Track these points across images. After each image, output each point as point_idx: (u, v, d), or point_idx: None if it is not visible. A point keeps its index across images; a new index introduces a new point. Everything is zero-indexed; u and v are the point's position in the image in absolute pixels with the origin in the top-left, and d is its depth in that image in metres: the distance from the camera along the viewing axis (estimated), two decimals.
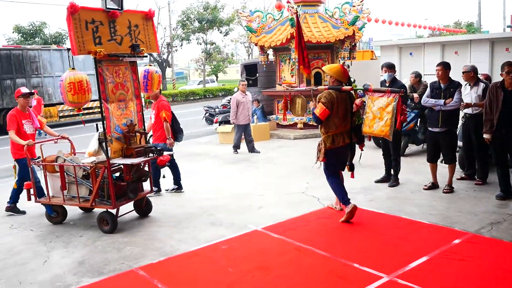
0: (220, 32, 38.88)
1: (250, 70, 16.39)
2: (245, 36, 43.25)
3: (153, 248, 5.44)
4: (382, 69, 7.62)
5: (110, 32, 5.86)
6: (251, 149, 11.20)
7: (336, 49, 13.54)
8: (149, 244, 5.58)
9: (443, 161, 7.48)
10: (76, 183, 6.18)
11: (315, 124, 6.45)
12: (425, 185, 7.36)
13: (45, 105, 19.30)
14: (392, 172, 7.75)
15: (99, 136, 6.02)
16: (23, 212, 7.19)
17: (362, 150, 6.40)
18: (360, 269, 4.55)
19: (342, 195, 6.05)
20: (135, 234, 5.93)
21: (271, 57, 14.97)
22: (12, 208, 7.23)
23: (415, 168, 8.72)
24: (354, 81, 6.24)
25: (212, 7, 36.87)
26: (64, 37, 29.15)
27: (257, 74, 15.89)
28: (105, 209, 6.10)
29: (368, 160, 9.46)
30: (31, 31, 28.51)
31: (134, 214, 6.76)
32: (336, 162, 6.13)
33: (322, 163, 6.19)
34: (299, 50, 6.89)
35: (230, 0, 62.20)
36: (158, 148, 6.60)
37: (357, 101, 5.89)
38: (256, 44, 14.13)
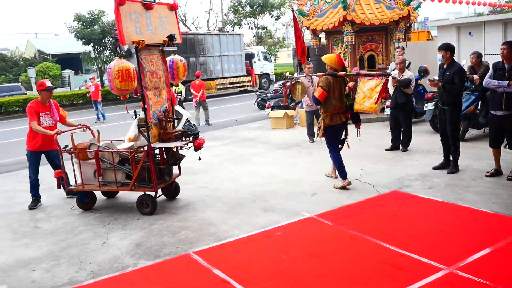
0: (272, 17, 38.62)
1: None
2: None
3: (207, 233, 5.50)
4: (438, 50, 7.31)
5: (146, 23, 6.14)
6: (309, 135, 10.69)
7: (390, 31, 13.11)
8: (203, 229, 5.65)
9: (507, 146, 7.10)
10: (114, 169, 6.32)
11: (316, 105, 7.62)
12: (487, 172, 7.03)
13: (207, 79, 23.68)
14: (451, 158, 7.45)
15: (138, 122, 6.24)
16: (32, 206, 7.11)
17: (359, 128, 7.43)
18: (417, 260, 4.41)
19: (341, 170, 7.01)
20: (189, 219, 6.02)
21: (323, 40, 14.71)
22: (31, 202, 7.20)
23: (476, 153, 8.34)
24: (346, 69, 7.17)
25: None
26: None
27: (309, 58, 15.64)
28: (143, 192, 6.34)
29: (426, 145, 9.19)
30: (90, 19, 29.36)
31: (188, 199, 6.87)
32: (335, 137, 7.11)
33: (324, 138, 7.17)
34: (296, 40, 8.30)
35: None
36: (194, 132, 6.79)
37: (350, 84, 6.90)
38: (308, 28, 13.90)
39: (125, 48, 22.38)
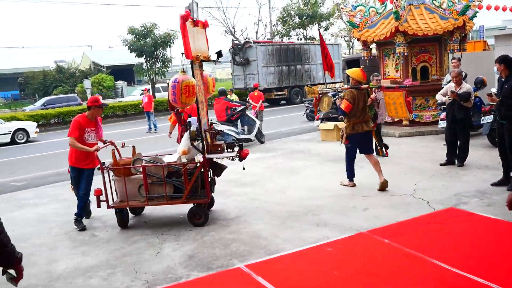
0: (321, 27, 38.52)
1: (351, 65, 16.03)
2: (345, 30, 42.53)
3: (258, 246, 5.52)
4: (495, 63, 7.06)
5: (193, 39, 6.24)
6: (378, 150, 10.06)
7: (444, 41, 12.79)
8: (254, 242, 5.67)
9: None
10: (165, 183, 6.35)
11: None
12: None
13: (313, 85, 23.48)
14: (511, 174, 7.15)
15: (190, 134, 6.38)
16: (82, 228, 6.66)
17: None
18: (476, 282, 4.24)
19: (350, 172, 7.87)
20: (241, 231, 6.06)
21: (374, 51, 14.54)
22: (75, 221, 6.79)
23: None
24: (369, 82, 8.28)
25: (312, 2, 36.63)
26: (172, 37, 30.63)
27: (362, 66, 15.50)
28: (194, 204, 6.47)
29: (483, 160, 8.87)
30: (143, 32, 30.31)
31: (239, 211, 6.92)
32: (355, 146, 7.73)
33: (345, 145, 7.81)
34: (323, 57, 9.42)
35: None
36: (239, 142, 6.90)
37: (372, 96, 7.90)
38: (358, 39, 13.80)
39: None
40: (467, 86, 8.67)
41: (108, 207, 6.52)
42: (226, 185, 8.29)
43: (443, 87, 10.39)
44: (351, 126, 7.57)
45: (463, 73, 10.40)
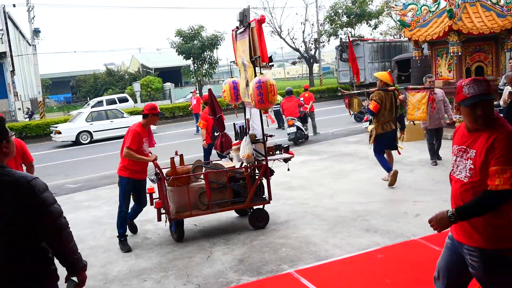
0: (369, 26, 37.89)
1: (402, 65, 15.70)
2: (394, 28, 41.64)
3: (308, 251, 5.50)
4: None
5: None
6: (432, 156, 9.62)
7: (501, 40, 12.28)
8: (304, 247, 5.65)
9: None
10: (228, 188, 6.36)
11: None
12: None
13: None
14: None
15: (250, 138, 6.45)
16: (127, 249, 6.15)
17: (403, 134, 9.36)
18: None
19: (387, 166, 8.14)
20: (290, 236, 6.06)
21: (425, 51, 14.16)
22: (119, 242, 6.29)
23: None
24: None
25: (361, 0, 36.07)
26: (219, 39, 30.94)
27: (410, 70, 15.17)
28: (253, 207, 6.51)
29: None
30: (191, 35, 30.78)
31: (287, 215, 6.91)
32: (384, 144, 8.15)
33: (373, 145, 8.23)
34: (351, 62, 9.39)
35: None
36: (285, 145, 7.05)
37: (400, 96, 8.39)
38: (410, 39, 13.46)
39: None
40: None
41: (170, 220, 6.21)
42: (275, 188, 8.25)
43: (499, 89, 10.03)
44: (380, 126, 8.03)
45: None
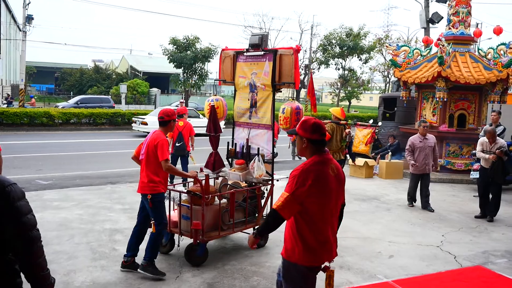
0: (360, 60, 38.49)
1: (388, 103, 15.89)
2: (383, 65, 42.35)
3: None
4: None
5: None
6: (425, 205, 9.24)
7: (485, 92, 12.60)
8: (276, 277, 5.53)
9: None
10: (247, 207, 6.40)
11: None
12: None
13: None
14: None
15: (261, 158, 6.56)
16: (162, 274, 5.45)
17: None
18: None
19: None
20: (263, 264, 5.97)
21: (412, 93, 14.40)
22: (147, 267, 5.43)
23: None
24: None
25: (355, 34, 36.66)
26: (212, 52, 30.88)
27: (395, 108, 15.36)
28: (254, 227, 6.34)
29: None
30: (185, 44, 30.68)
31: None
32: None
33: None
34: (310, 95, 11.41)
35: (373, 28, 61.32)
36: None
37: (346, 130, 9.33)
38: (399, 79, 13.70)
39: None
40: (501, 142, 8.60)
41: (203, 240, 5.74)
42: None
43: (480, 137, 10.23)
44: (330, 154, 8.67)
45: (502, 127, 10.25)
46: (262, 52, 6.57)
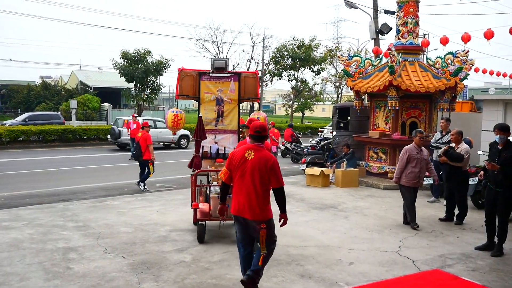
0: (312, 71, 39.13)
1: (342, 112, 16.18)
2: (335, 76, 43.23)
3: None
4: (494, 130, 7.11)
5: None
6: (410, 220, 8.55)
7: (435, 99, 13.02)
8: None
9: None
10: None
11: None
12: None
13: None
14: (496, 239, 7.14)
15: None
16: None
17: None
18: None
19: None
20: (223, 277, 5.86)
21: (365, 102, 14.74)
22: None
23: None
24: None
25: (307, 46, 37.28)
26: (164, 65, 30.64)
27: (349, 118, 15.64)
28: None
29: (468, 222, 8.86)
30: (136, 58, 30.25)
31: (222, 254, 6.73)
32: None
33: None
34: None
35: (324, 40, 62.68)
36: None
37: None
38: (352, 89, 13.98)
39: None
40: (464, 147, 8.84)
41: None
42: (209, 225, 8.11)
43: (431, 145, 10.53)
44: None
45: (447, 137, 10.60)
46: (228, 74, 8.47)
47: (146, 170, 11.83)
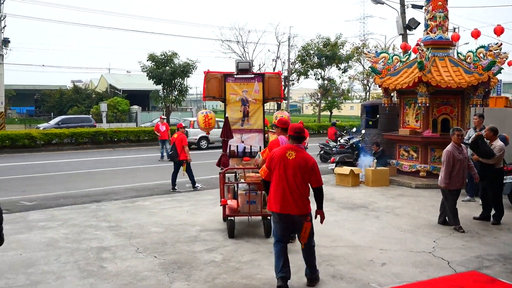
0: (339, 69, 38.80)
1: (371, 111, 15.95)
2: (362, 73, 42.77)
3: None
4: None
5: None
6: (454, 223, 8.20)
7: (467, 95, 12.70)
8: None
9: None
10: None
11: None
12: None
13: None
14: None
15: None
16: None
17: None
18: None
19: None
20: (254, 276, 5.84)
21: (394, 99, 14.50)
22: None
23: None
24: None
25: (333, 43, 37.00)
26: (191, 67, 30.84)
27: (378, 116, 15.42)
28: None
29: (505, 222, 8.60)
30: (163, 60, 30.55)
31: (252, 254, 6.73)
32: None
33: None
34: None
35: (350, 37, 62.26)
36: None
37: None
38: (380, 86, 13.77)
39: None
40: (499, 144, 8.55)
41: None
42: (239, 224, 8.12)
43: (465, 143, 10.25)
44: None
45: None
46: (252, 75, 8.80)
47: (178, 171, 12.12)
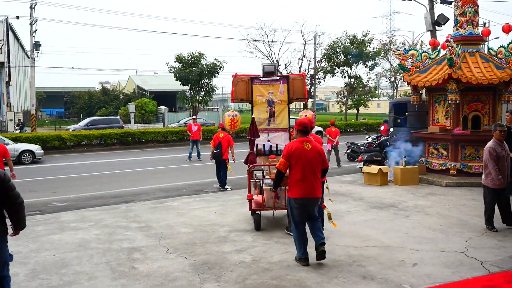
0: (366, 67, 38.41)
1: (399, 108, 15.74)
2: (390, 70, 42.23)
3: None
4: None
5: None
6: (486, 220, 8.06)
7: (499, 91, 12.42)
8: None
9: None
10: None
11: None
12: None
13: None
14: None
15: None
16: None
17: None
18: None
19: None
20: (284, 277, 5.83)
21: (423, 96, 14.26)
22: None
23: None
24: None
25: (359, 41, 36.65)
26: (218, 67, 31.04)
27: (406, 113, 15.20)
28: None
29: None
30: (190, 61, 30.83)
31: (283, 255, 6.72)
32: None
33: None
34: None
35: (377, 34, 61.41)
36: None
37: None
38: (409, 84, 13.57)
39: None
40: None
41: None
42: (267, 225, 8.12)
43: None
44: None
45: None
46: (277, 78, 9.16)
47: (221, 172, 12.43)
